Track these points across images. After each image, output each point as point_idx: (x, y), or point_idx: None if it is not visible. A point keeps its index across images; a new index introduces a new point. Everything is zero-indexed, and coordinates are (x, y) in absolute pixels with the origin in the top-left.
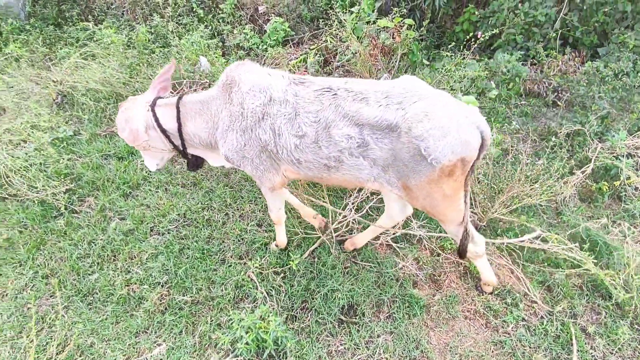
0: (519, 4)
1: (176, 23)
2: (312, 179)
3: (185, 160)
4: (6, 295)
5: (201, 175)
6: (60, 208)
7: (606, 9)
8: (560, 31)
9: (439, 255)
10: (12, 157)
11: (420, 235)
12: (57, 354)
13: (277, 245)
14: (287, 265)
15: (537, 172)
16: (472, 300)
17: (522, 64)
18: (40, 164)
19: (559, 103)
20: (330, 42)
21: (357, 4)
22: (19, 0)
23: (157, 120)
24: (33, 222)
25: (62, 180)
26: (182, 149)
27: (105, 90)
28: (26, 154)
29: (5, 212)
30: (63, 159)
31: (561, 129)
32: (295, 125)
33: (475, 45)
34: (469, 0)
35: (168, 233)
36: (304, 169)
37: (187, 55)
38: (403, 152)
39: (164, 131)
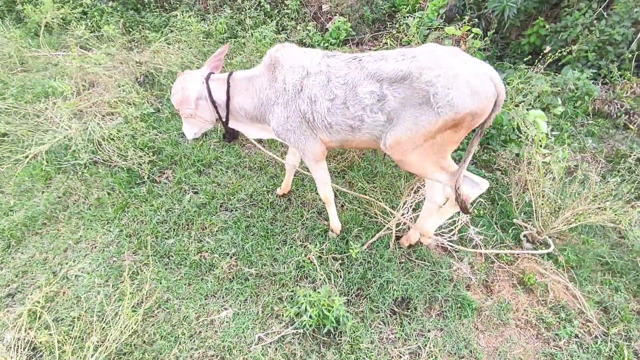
0: (595, 21)
1: (247, 17)
2: (341, 144)
3: (224, 131)
4: (95, 247)
5: (267, 160)
6: (144, 177)
7: None
8: (636, 53)
9: (493, 262)
10: (103, 127)
11: (476, 241)
12: (142, 301)
13: (332, 231)
14: (345, 253)
15: (607, 192)
16: (525, 310)
17: (592, 83)
18: (131, 135)
19: (630, 126)
20: (391, 44)
21: (421, 9)
22: None
23: (209, 92)
24: (120, 187)
25: (146, 152)
26: (224, 120)
27: None
28: (117, 125)
29: (97, 175)
30: (149, 132)
31: (632, 153)
32: (328, 90)
33: (541, 59)
34: (539, 13)
35: (236, 210)
36: (334, 132)
37: (258, 47)
38: (413, 99)
39: (213, 102)
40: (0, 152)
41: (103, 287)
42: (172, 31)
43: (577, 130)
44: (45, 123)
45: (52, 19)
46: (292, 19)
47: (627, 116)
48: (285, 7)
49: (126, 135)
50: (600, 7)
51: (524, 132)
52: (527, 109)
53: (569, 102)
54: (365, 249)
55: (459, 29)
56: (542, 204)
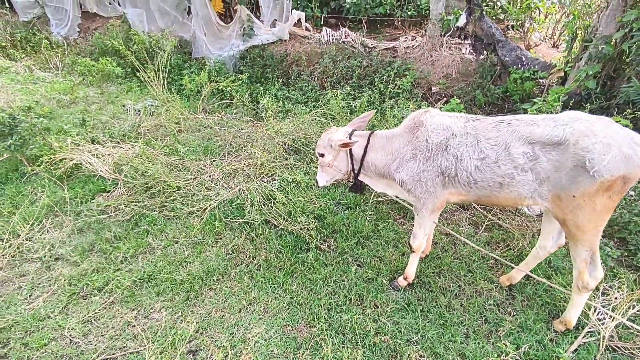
0: None
1: (357, 92)
2: (477, 200)
3: (352, 183)
4: (267, 312)
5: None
6: (309, 243)
7: None
8: None
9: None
10: (268, 187)
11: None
12: None
13: (405, 278)
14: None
15: None
16: None
17: None
18: (297, 201)
19: None
20: None
21: (536, 95)
22: (231, 59)
23: None
24: (287, 251)
25: (311, 218)
26: (356, 172)
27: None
28: (279, 189)
29: (263, 235)
30: (317, 200)
31: None
32: (477, 150)
33: None
34: None
35: (404, 291)
36: (477, 188)
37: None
38: (567, 162)
39: (351, 155)
40: (176, 204)
41: (281, 358)
42: (318, 106)
43: None
44: (208, 180)
45: (208, 89)
46: (406, 98)
47: None
48: (396, 87)
49: (291, 200)
50: None
51: None
52: None
53: None
54: (571, 356)
55: None
56: None
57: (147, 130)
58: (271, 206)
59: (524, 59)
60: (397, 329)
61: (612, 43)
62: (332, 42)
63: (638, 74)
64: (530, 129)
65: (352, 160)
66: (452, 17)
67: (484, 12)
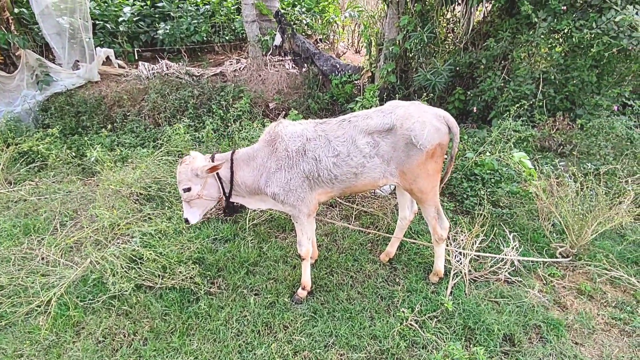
0: (502, 84)
1: (197, 123)
2: (341, 192)
3: (225, 207)
4: None
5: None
6: (197, 292)
7: (574, 81)
8: (544, 100)
9: (551, 282)
10: (126, 250)
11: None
12: None
13: (303, 288)
14: (439, 308)
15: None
16: (598, 314)
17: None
18: (169, 251)
19: (573, 152)
20: None
21: (355, 95)
22: (29, 114)
23: None
24: (174, 309)
25: (190, 265)
26: (227, 194)
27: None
28: (143, 246)
29: (139, 304)
30: (193, 243)
31: (597, 169)
32: (331, 149)
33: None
34: (458, 85)
35: (306, 302)
36: (338, 182)
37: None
38: (400, 142)
39: (219, 179)
40: (4, 308)
41: None
42: (160, 145)
43: (539, 162)
44: (41, 265)
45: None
46: (248, 119)
47: (561, 147)
48: (235, 109)
49: (161, 253)
50: (502, 74)
51: (517, 171)
52: (511, 153)
53: (519, 144)
54: (450, 298)
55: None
56: (572, 222)
57: None
58: (139, 268)
59: (338, 66)
60: (312, 339)
61: (398, 44)
62: (155, 76)
63: (421, 65)
64: (367, 122)
65: (221, 183)
66: (268, 37)
67: (295, 30)
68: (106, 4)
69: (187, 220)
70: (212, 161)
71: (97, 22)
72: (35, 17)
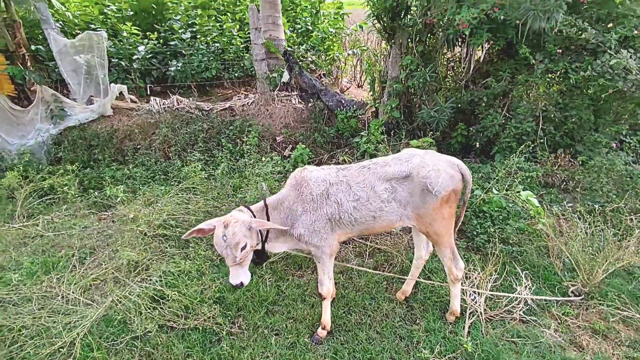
0: (508, 120)
1: (207, 157)
2: (359, 233)
3: (258, 255)
4: None
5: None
6: (219, 332)
7: (573, 119)
8: (545, 137)
9: (565, 321)
10: (147, 289)
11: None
12: None
13: (323, 328)
14: (458, 349)
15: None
16: (614, 354)
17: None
18: (193, 291)
19: (577, 189)
20: (348, 160)
21: (360, 129)
22: (42, 147)
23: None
24: (196, 351)
25: (211, 305)
26: (264, 241)
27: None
28: (166, 285)
29: (161, 345)
30: (215, 283)
31: (603, 207)
32: (352, 194)
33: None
34: (460, 120)
35: (326, 342)
36: (358, 224)
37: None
38: (416, 189)
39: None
40: (27, 350)
41: None
42: (177, 182)
43: (544, 198)
44: (62, 304)
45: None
46: (256, 152)
47: (564, 183)
48: (244, 144)
49: (184, 294)
50: (503, 111)
51: (524, 209)
52: (517, 192)
53: (523, 181)
54: (468, 338)
55: (422, 142)
56: (582, 261)
57: None
58: (162, 308)
59: (343, 101)
60: None
61: (401, 82)
62: (166, 111)
63: (423, 102)
64: (385, 170)
65: (260, 232)
66: (276, 74)
67: (302, 68)
68: (121, 43)
69: (242, 284)
70: (252, 212)
71: (112, 59)
72: (51, 54)
